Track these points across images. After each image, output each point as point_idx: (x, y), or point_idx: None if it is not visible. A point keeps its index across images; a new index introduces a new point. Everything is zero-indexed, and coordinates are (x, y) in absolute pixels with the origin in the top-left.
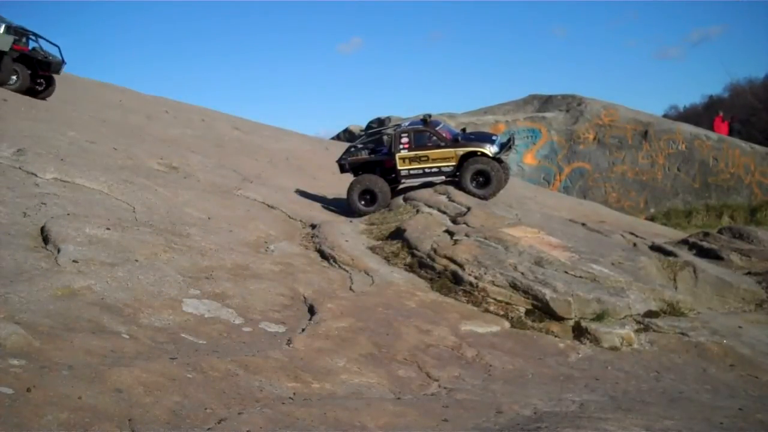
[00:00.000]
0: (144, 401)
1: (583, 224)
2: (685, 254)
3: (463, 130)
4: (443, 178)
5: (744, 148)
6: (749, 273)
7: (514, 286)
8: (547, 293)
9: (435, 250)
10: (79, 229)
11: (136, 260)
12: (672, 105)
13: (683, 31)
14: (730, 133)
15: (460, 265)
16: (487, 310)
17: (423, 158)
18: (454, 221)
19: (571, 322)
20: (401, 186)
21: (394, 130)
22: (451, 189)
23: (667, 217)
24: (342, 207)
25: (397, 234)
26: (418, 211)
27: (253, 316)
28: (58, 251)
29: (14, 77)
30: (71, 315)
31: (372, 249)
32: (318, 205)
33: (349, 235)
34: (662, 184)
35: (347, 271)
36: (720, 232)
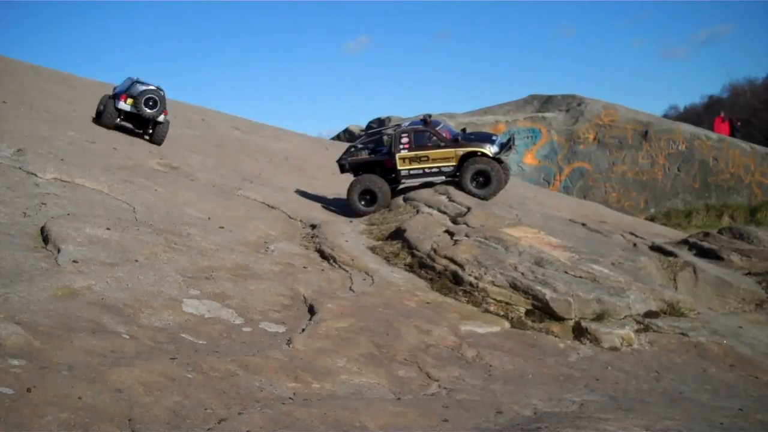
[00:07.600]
0: (144, 401)
1: (583, 224)
2: (685, 254)
3: (463, 130)
4: (443, 178)
5: (744, 148)
6: (749, 273)
7: (514, 287)
8: (547, 293)
9: (435, 251)
10: (79, 229)
11: (136, 260)
12: (672, 105)
13: (690, 30)
14: (731, 133)
15: (460, 265)
16: (487, 311)
17: (423, 158)
18: (454, 221)
19: (571, 323)
20: (401, 186)
21: (394, 130)
22: (451, 189)
23: (667, 217)
24: (342, 207)
25: (397, 234)
26: (418, 211)
27: (253, 316)
28: (58, 251)
29: None
30: (71, 315)
31: (372, 249)
32: (318, 205)
33: (349, 235)
34: (662, 184)
35: (347, 272)
36: (720, 232)
